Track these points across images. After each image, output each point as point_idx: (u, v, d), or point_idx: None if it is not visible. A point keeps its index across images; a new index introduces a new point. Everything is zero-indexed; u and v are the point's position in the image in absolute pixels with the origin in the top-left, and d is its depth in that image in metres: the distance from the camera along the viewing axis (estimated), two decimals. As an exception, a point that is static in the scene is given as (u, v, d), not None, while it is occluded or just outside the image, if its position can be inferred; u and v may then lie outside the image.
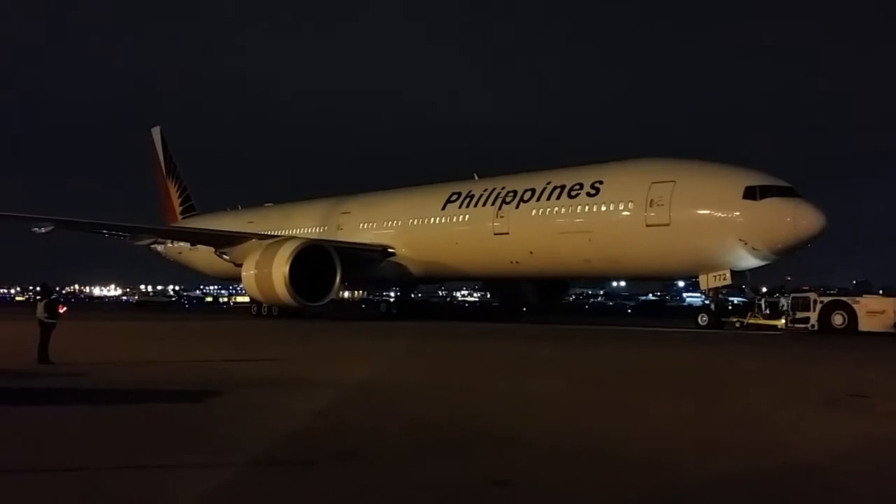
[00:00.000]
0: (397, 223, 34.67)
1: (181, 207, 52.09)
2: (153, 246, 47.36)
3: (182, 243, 44.20)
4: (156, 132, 53.56)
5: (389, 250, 34.23)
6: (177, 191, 52.62)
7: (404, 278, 35.67)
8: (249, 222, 42.06)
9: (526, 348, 17.96)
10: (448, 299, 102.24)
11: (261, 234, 35.18)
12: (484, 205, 30.88)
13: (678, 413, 8.10)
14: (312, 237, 34.30)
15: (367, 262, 34.37)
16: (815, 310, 23.51)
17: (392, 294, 44.94)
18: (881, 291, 26.14)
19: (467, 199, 31.80)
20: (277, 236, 33.67)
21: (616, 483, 5.03)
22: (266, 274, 30.35)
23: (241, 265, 32.60)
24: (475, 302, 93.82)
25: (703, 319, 25.59)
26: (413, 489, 4.85)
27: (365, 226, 36.01)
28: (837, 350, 17.87)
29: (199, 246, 40.62)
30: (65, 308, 14.06)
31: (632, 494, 4.77)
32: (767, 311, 25.17)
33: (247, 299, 40.88)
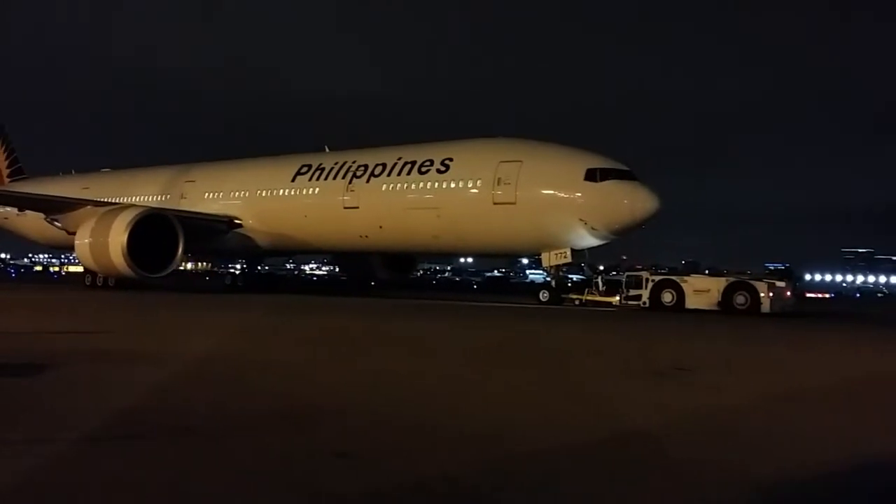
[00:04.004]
0: (244, 194, 33.85)
1: (9, 170, 48.72)
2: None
3: (8, 208, 41.52)
4: None
5: (236, 221, 33.37)
6: (3, 152, 49.12)
7: (251, 250, 34.97)
8: (84, 188, 39.79)
9: (374, 322, 18.02)
10: (296, 272, 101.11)
11: (97, 201, 33.39)
12: (334, 178, 30.63)
13: (517, 386, 8.39)
14: (154, 206, 33.01)
15: (213, 233, 33.39)
16: (646, 288, 24.87)
17: (238, 266, 43.94)
18: (707, 272, 27.95)
19: (317, 172, 31.44)
20: (115, 203, 32.16)
21: (453, 454, 5.17)
22: (102, 243, 28.95)
23: (74, 233, 30.97)
24: (324, 276, 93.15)
25: (544, 295, 26.64)
26: (252, 463, 4.79)
27: (211, 196, 34.90)
28: (665, 326, 18.99)
29: (27, 212, 38.24)
30: None
31: (468, 465, 4.91)
32: (604, 289, 26.43)
33: (80, 269, 38.83)
